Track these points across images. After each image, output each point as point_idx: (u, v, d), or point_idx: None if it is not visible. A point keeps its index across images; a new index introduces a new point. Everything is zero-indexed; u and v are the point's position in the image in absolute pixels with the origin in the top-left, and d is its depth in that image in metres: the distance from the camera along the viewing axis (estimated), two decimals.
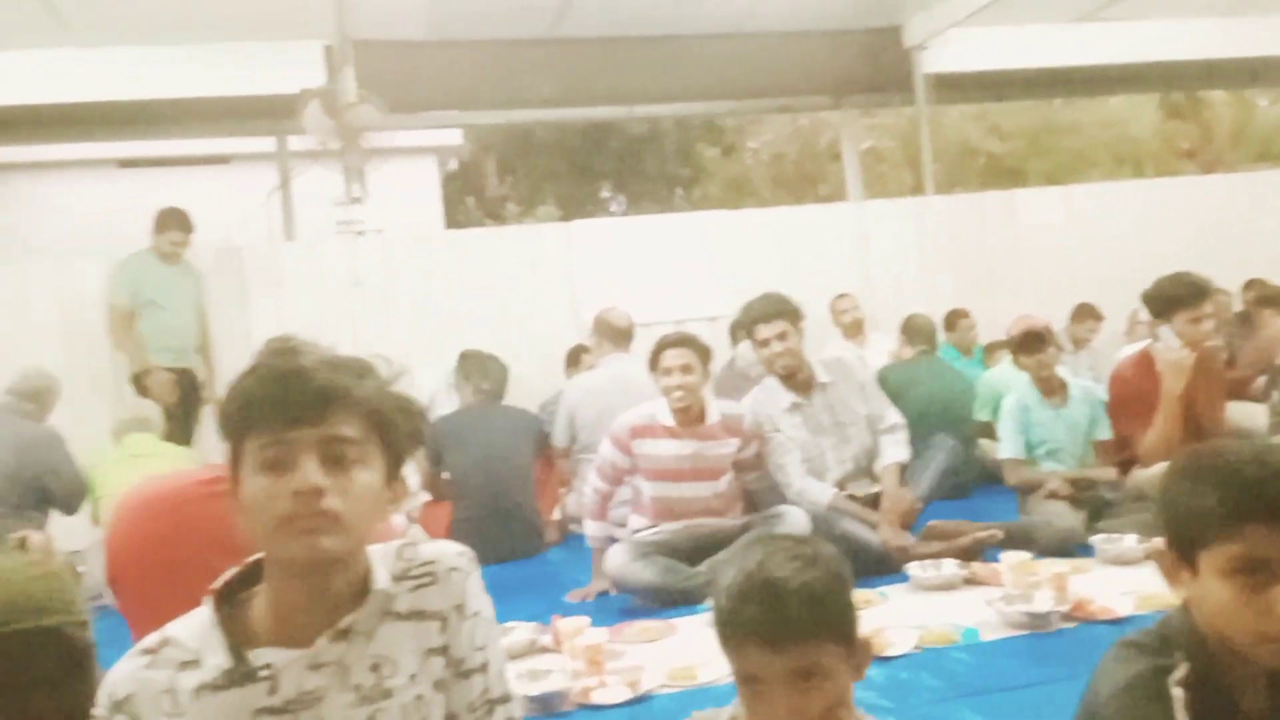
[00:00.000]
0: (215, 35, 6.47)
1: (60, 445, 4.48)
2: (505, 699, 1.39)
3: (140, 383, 5.32)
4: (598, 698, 2.70)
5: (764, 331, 3.93)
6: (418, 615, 1.31)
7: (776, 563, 1.25)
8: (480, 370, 4.99)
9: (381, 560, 1.30)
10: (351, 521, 1.21)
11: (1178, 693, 1.23)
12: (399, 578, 1.31)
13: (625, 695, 2.71)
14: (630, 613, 3.52)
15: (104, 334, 5.72)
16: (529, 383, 6.02)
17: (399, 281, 6.52)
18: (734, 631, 1.23)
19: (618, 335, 4.92)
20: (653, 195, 17.56)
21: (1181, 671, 1.24)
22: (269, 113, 7.07)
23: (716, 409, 3.84)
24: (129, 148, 10.13)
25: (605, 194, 18.98)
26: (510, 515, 4.59)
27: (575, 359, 5.94)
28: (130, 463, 4.34)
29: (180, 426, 5.27)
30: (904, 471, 3.95)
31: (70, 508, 4.44)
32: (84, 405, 5.56)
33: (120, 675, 1.24)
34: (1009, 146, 14.94)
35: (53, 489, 4.33)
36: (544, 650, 3.11)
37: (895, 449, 3.96)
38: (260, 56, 6.71)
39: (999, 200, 7.52)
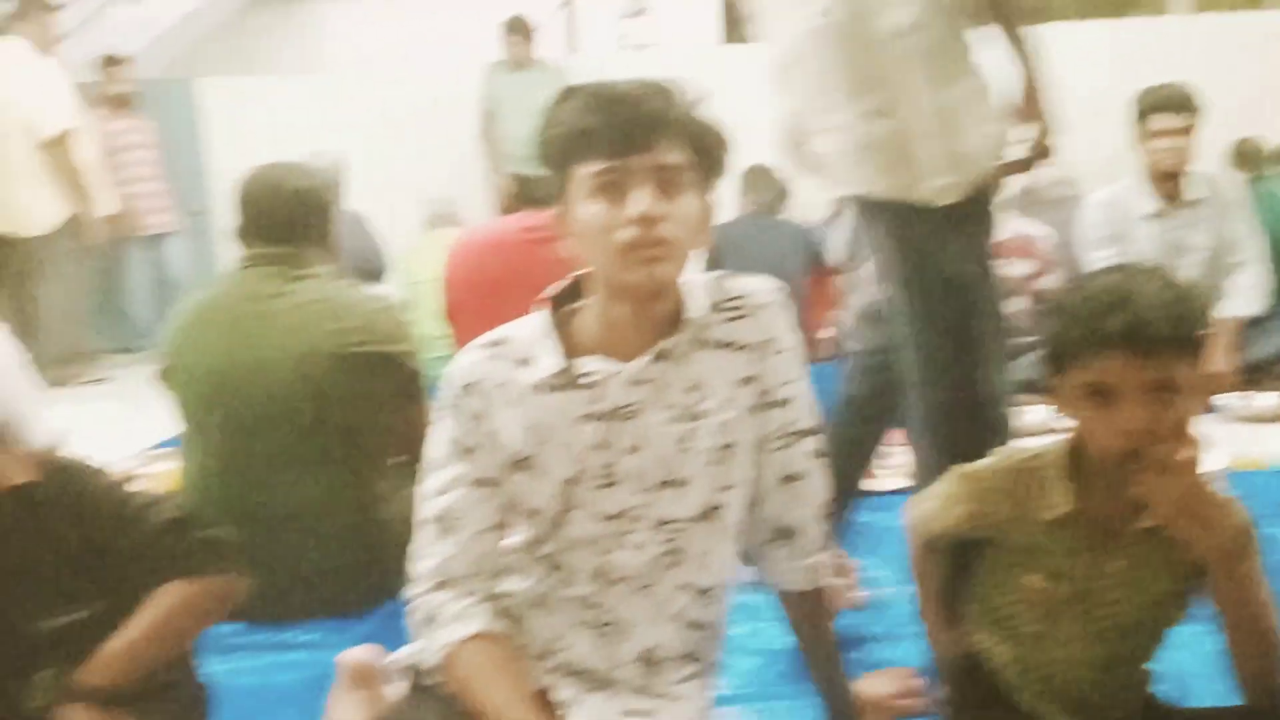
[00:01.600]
0: None
1: (361, 223, 4.94)
2: (812, 431, 1.42)
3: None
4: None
5: (1162, 122, 3.42)
6: (730, 345, 1.34)
7: (1139, 280, 1.21)
8: (761, 182, 4.97)
9: (698, 289, 1.33)
10: (682, 248, 1.24)
11: None
12: (713, 308, 1.34)
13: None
14: None
15: (410, 136, 6.18)
16: (811, 202, 5.92)
17: None
18: (1094, 339, 1.19)
19: None
20: None
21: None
22: None
23: (1009, 227, 3.65)
24: None
25: None
26: None
27: None
28: (439, 251, 4.73)
29: None
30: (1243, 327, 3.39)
31: (375, 277, 4.89)
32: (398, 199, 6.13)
33: (466, 364, 1.34)
34: None
35: (357, 264, 4.81)
36: None
37: (1244, 297, 3.41)
38: None
39: None
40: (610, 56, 6.67)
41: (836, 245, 4.83)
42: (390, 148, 6.45)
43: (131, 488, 1.42)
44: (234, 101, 6.66)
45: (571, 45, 7.54)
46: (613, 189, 1.21)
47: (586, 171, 1.22)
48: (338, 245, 2.17)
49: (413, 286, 4.77)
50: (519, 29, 5.99)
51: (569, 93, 1.27)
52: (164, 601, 1.37)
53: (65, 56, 5.29)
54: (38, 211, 4.93)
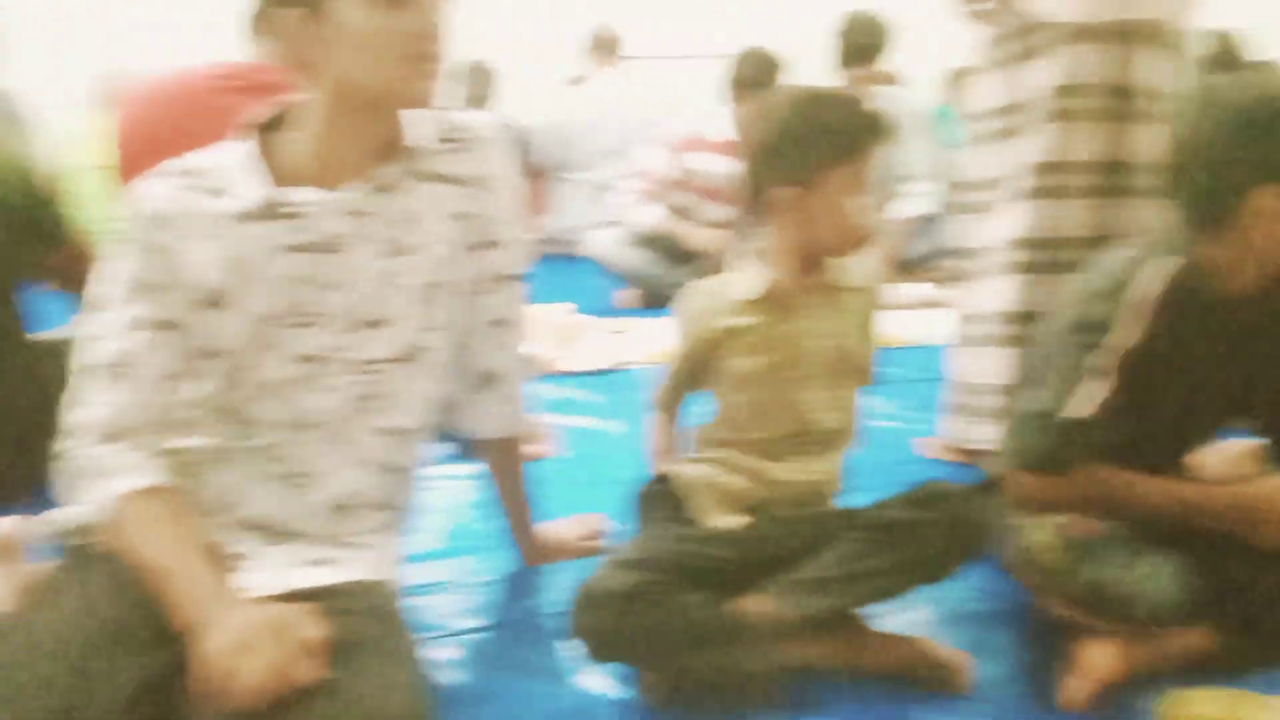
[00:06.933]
0: None
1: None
2: (517, 279, 1.41)
3: None
4: (562, 365, 2.81)
5: None
6: (447, 179, 1.30)
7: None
8: (477, 78, 5.01)
9: (422, 120, 1.28)
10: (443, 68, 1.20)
11: None
12: (435, 140, 1.30)
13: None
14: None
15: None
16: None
17: None
18: (868, 135, 1.35)
19: (605, 48, 4.83)
20: None
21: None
22: None
23: None
24: None
25: None
26: None
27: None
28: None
29: None
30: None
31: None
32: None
33: (153, 193, 1.23)
34: None
35: None
36: None
37: (913, 201, 3.74)
38: None
39: None
40: None
41: (546, 149, 4.85)
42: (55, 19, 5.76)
43: None
44: None
45: None
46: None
47: None
48: None
49: (76, 175, 4.29)
50: None
51: None
52: None
53: None
54: None
